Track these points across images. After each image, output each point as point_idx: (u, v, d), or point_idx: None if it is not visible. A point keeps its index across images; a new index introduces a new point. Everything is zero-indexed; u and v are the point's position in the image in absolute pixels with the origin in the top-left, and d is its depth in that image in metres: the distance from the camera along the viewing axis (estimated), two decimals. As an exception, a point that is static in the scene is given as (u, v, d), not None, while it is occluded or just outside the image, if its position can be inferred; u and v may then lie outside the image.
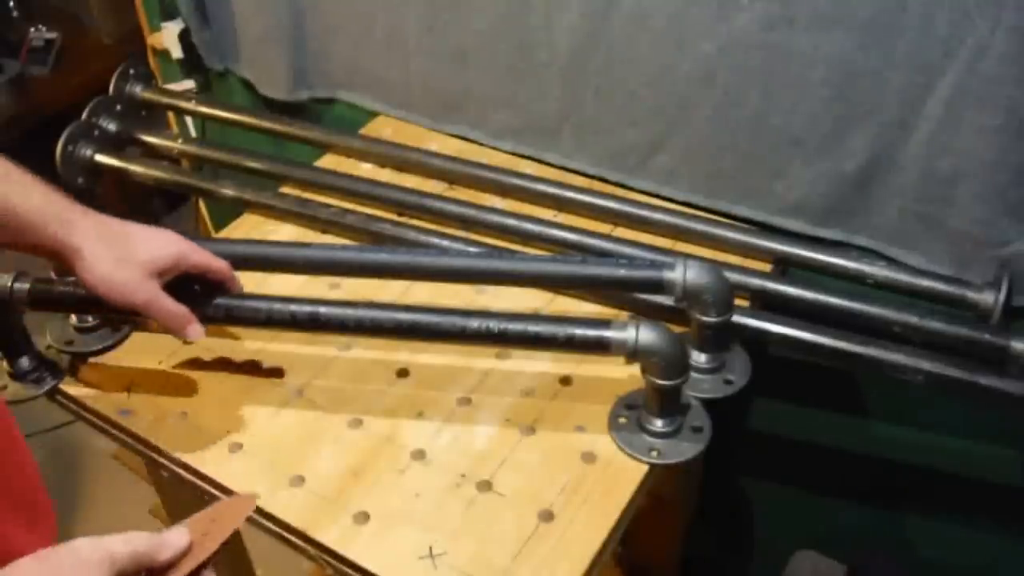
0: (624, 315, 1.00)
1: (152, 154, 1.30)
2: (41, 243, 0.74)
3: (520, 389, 0.92)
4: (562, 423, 0.89)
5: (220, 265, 0.85)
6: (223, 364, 0.96)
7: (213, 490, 0.86)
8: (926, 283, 0.98)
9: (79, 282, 0.79)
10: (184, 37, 1.49)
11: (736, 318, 0.91)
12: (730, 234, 1.06)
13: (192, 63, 1.52)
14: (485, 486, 0.83)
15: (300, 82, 1.41)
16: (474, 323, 0.83)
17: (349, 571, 0.78)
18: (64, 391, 0.94)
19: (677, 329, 0.90)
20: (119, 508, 1.80)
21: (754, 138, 1.06)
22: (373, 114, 1.37)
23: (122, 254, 0.77)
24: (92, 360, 0.97)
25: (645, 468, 0.84)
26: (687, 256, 0.90)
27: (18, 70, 1.94)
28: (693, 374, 0.89)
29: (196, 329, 0.83)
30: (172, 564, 0.55)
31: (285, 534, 0.82)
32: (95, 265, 0.76)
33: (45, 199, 0.73)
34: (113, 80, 1.30)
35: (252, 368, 0.95)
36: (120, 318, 0.99)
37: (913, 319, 0.93)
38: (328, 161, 1.27)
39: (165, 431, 0.89)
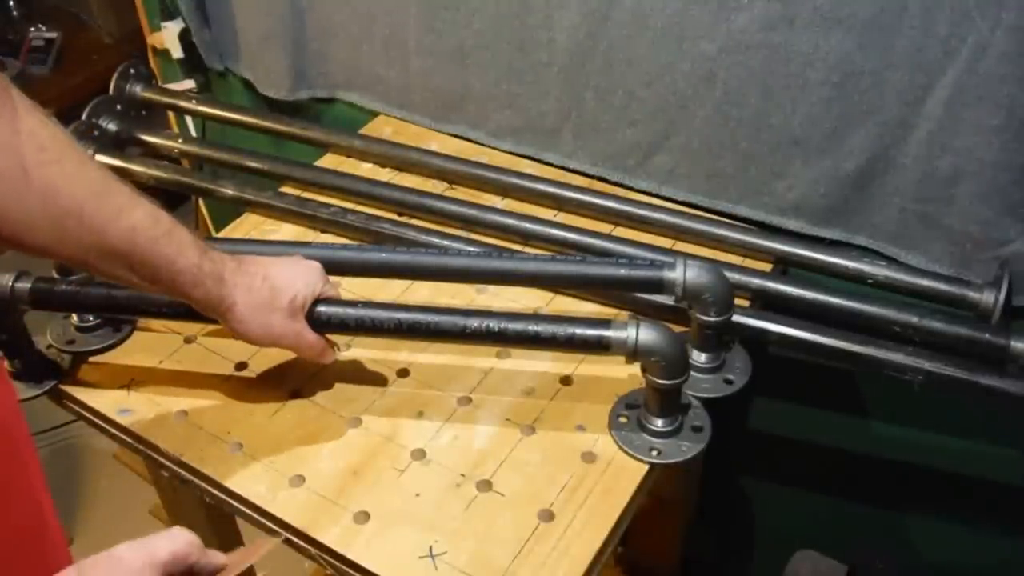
0: (624, 315, 1.00)
1: (152, 154, 1.30)
2: (194, 297, 0.77)
3: (520, 389, 0.92)
4: (562, 423, 0.89)
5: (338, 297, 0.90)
6: (223, 364, 0.96)
7: (213, 490, 0.86)
8: (926, 283, 0.98)
9: (229, 331, 0.82)
10: (184, 37, 1.49)
11: (736, 318, 0.91)
12: (730, 234, 1.06)
13: (192, 63, 1.52)
14: (485, 486, 0.83)
15: (300, 82, 1.41)
16: (474, 323, 0.83)
17: (349, 571, 0.78)
18: (64, 391, 0.94)
19: (677, 329, 0.90)
20: (119, 508, 1.79)
21: (754, 138, 1.06)
22: (373, 114, 1.37)
23: (269, 302, 0.81)
24: (92, 359, 0.97)
25: (645, 468, 0.84)
26: (687, 256, 0.90)
27: (18, 69, 1.94)
28: (693, 373, 0.89)
29: (331, 355, 0.88)
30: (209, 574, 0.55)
31: (285, 534, 0.82)
32: (247, 319, 0.80)
33: (201, 256, 0.76)
34: (113, 80, 1.31)
35: (252, 368, 0.95)
36: (122, 318, 0.99)
37: (913, 319, 0.93)
38: (328, 161, 1.27)
39: (165, 431, 0.89)
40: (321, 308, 0.85)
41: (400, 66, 1.29)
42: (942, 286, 0.97)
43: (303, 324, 0.84)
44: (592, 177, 1.20)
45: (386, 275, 0.96)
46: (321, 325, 0.85)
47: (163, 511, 1.21)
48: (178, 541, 0.54)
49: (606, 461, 0.85)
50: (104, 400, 0.93)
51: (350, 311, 0.85)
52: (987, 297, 0.94)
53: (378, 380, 0.94)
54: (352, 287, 1.03)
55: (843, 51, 0.95)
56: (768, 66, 1.00)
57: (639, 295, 0.98)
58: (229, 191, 1.18)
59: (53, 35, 2.00)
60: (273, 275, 0.82)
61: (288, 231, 1.15)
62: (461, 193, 1.18)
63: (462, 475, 0.84)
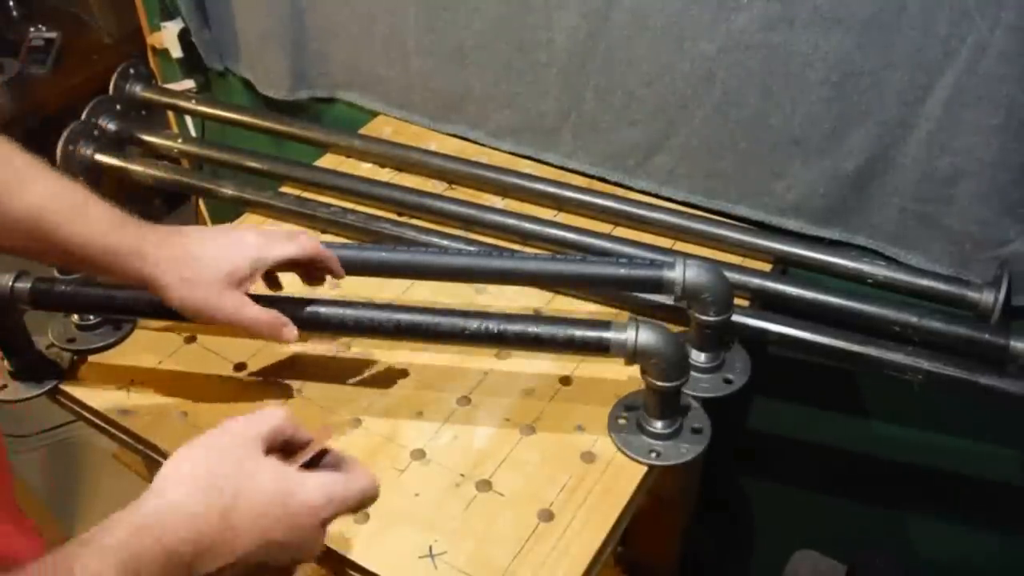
0: (624, 315, 1.00)
1: (152, 154, 1.30)
2: (123, 276, 0.75)
3: (520, 389, 0.92)
4: (562, 423, 0.89)
5: (307, 249, 0.83)
6: (223, 364, 0.96)
7: (213, 490, 0.86)
8: (926, 283, 0.98)
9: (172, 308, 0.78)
10: (184, 37, 1.49)
11: (736, 317, 0.91)
12: (730, 233, 1.06)
13: (192, 63, 1.53)
14: (485, 486, 0.83)
15: (300, 82, 1.41)
16: (474, 323, 0.83)
17: (349, 571, 0.78)
18: (64, 390, 0.94)
19: (677, 328, 0.90)
20: (119, 508, 1.79)
21: (754, 138, 1.06)
22: (373, 114, 1.37)
23: (195, 275, 0.76)
24: (92, 359, 0.97)
25: (645, 468, 0.84)
26: (687, 255, 0.90)
27: (18, 69, 1.94)
28: (693, 373, 0.89)
29: (291, 331, 0.82)
30: (300, 447, 0.63)
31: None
32: (175, 293, 0.76)
33: (119, 233, 0.72)
34: (113, 80, 1.31)
35: (252, 368, 0.95)
36: (121, 317, 0.99)
37: (913, 319, 0.93)
38: (328, 161, 1.27)
39: (165, 431, 0.89)
40: (320, 309, 0.85)
41: (400, 66, 1.29)
42: (942, 286, 0.97)
43: (241, 299, 0.79)
44: (592, 177, 1.20)
45: (386, 275, 0.96)
46: (320, 325, 0.85)
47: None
48: (277, 416, 0.61)
49: (606, 461, 0.85)
50: (104, 400, 0.93)
51: (349, 312, 0.85)
52: (987, 297, 0.94)
53: (378, 380, 0.94)
54: (352, 287, 1.03)
55: (843, 51, 0.95)
56: (768, 66, 1.00)
57: (639, 295, 0.98)
58: (229, 191, 1.18)
59: (53, 35, 2.00)
60: (200, 249, 0.78)
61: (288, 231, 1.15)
62: (461, 193, 1.18)
63: (462, 475, 0.84)
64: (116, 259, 0.73)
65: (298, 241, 0.83)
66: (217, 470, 0.57)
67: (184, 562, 0.53)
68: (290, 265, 0.84)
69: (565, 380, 0.93)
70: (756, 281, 1.00)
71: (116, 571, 0.50)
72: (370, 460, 0.85)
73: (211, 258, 0.78)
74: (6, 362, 0.93)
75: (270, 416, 0.61)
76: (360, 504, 0.64)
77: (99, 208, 0.72)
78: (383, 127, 1.34)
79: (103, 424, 0.93)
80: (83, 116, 1.23)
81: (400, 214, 1.15)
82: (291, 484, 0.59)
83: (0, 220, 0.65)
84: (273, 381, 0.94)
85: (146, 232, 0.75)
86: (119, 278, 0.75)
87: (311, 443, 0.64)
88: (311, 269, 0.86)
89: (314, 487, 0.60)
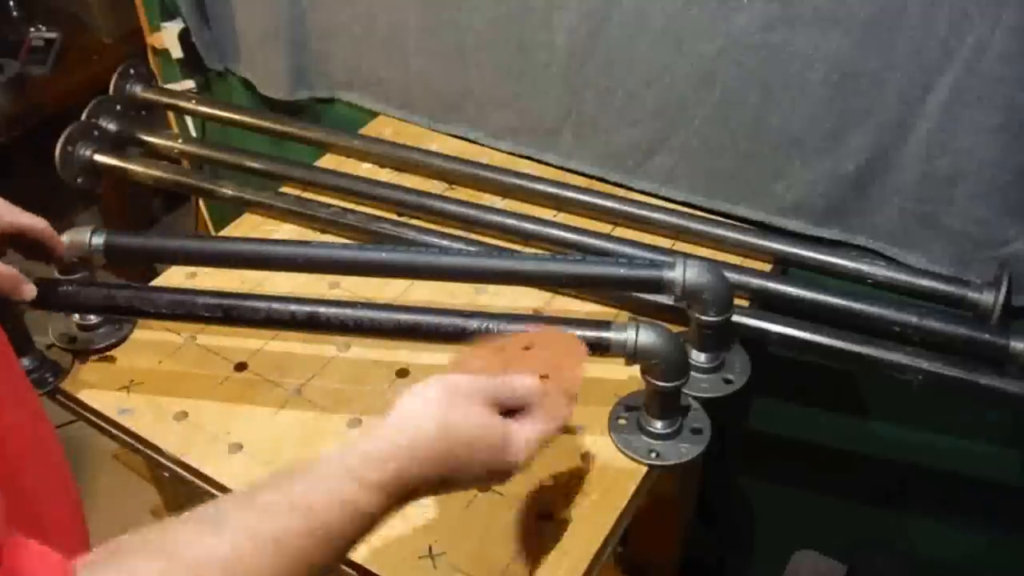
0: (624, 315, 1.00)
1: (152, 154, 1.30)
2: None
3: (520, 389, 0.92)
4: (562, 423, 0.89)
5: (34, 223, 0.86)
6: (223, 364, 0.96)
7: (213, 490, 0.86)
8: (926, 283, 0.98)
9: None
10: (184, 37, 1.49)
11: (736, 318, 0.91)
12: (730, 234, 1.06)
13: (192, 63, 1.52)
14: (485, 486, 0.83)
15: (300, 82, 1.41)
16: (474, 323, 0.83)
17: (349, 571, 0.78)
18: (64, 390, 0.94)
19: (676, 328, 0.90)
20: (119, 508, 1.79)
21: (753, 138, 1.06)
22: (373, 114, 1.37)
23: None
24: (92, 360, 0.97)
25: (645, 468, 0.84)
26: (687, 255, 0.90)
27: (18, 70, 1.94)
28: (693, 373, 0.89)
29: (29, 288, 0.85)
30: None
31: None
32: None
33: None
34: (113, 80, 1.31)
35: (252, 368, 0.96)
36: (121, 317, 0.99)
37: (913, 319, 0.93)
38: (328, 161, 1.27)
39: (165, 431, 0.89)
40: (321, 308, 0.85)
41: (400, 66, 1.29)
42: (942, 286, 0.97)
43: None
44: (592, 177, 1.20)
45: (386, 275, 0.96)
46: (321, 325, 0.85)
47: (163, 511, 1.21)
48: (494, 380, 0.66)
49: (606, 461, 0.85)
50: (104, 400, 0.93)
51: (349, 312, 0.85)
52: (987, 297, 0.94)
53: (378, 380, 0.94)
54: (352, 287, 1.03)
55: (843, 51, 0.95)
56: (768, 66, 1.00)
57: (639, 295, 0.98)
58: (229, 191, 1.18)
59: (53, 35, 2.00)
60: None
61: (288, 231, 1.15)
62: (461, 193, 1.18)
63: (462, 475, 0.84)
64: None
65: (35, 217, 0.86)
66: (453, 416, 0.63)
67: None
68: (19, 236, 0.86)
69: (565, 380, 0.93)
70: (756, 281, 1.00)
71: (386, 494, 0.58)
72: (370, 460, 0.85)
73: None
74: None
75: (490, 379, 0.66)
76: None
77: None
78: (383, 127, 1.34)
79: (103, 424, 0.93)
80: (83, 116, 1.23)
81: (400, 214, 1.15)
82: (507, 439, 0.65)
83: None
84: (273, 381, 0.94)
85: None
86: None
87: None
88: (35, 246, 0.89)
89: (525, 445, 0.66)
